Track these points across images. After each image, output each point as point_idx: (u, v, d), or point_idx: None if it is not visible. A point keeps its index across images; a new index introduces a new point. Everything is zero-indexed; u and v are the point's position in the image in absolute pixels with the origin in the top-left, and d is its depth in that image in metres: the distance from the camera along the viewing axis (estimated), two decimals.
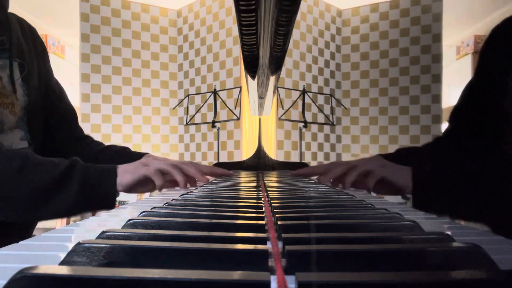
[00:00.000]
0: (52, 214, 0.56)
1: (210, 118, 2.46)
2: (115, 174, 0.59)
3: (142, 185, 0.64)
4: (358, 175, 0.66)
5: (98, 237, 0.24)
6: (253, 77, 0.66)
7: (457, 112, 0.86)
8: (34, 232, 0.83)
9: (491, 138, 0.76)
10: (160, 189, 0.65)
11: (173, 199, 0.45)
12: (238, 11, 0.37)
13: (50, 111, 0.83)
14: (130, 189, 0.62)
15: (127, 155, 0.80)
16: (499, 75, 0.72)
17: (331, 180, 0.73)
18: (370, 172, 0.64)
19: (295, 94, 2.45)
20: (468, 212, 0.57)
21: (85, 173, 0.57)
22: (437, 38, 2.76)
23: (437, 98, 2.76)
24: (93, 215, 0.42)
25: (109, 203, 0.58)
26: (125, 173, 0.60)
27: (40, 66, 0.81)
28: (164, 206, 0.39)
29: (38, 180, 0.54)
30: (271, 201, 0.43)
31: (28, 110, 0.73)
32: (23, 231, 0.77)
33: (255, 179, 0.87)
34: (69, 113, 0.89)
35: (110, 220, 0.38)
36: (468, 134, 0.81)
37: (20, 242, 0.27)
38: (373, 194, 0.68)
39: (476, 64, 0.83)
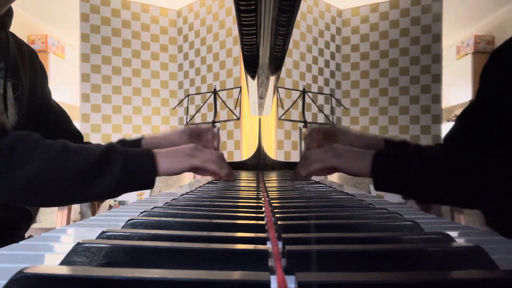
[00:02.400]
0: (98, 196, 0.58)
1: (210, 118, 2.46)
2: (152, 157, 0.61)
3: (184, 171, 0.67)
4: (317, 170, 0.67)
5: (98, 237, 0.24)
6: (253, 77, 0.66)
7: (454, 137, 0.84)
8: (34, 233, 0.83)
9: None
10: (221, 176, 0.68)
11: (173, 199, 0.45)
12: (238, 11, 0.37)
13: (54, 130, 0.85)
14: (171, 175, 0.65)
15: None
16: (505, 95, 0.70)
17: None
18: (326, 164, 0.66)
19: (295, 94, 2.45)
20: (427, 195, 0.59)
21: (125, 155, 0.59)
22: (437, 38, 2.76)
23: (437, 98, 2.76)
24: (93, 215, 0.41)
25: (149, 184, 0.60)
26: (168, 160, 0.62)
27: (37, 87, 0.82)
28: (164, 206, 0.39)
29: (81, 161, 0.55)
30: (271, 201, 0.43)
31: (16, 129, 0.73)
32: (16, 233, 0.77)
33: (255, 179, 0.87)
34: (75, 133, 0.92)
35: (110, 220, 0.38)
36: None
37: (20, 242, 0.27)
38: (373, 193, 0.68)
39: (475, 65, 0.82)
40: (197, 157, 0.66)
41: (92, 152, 0.57)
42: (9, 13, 0.74)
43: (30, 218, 0.82)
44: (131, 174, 0.59)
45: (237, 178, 0.92)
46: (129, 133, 2.89)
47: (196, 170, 0.67)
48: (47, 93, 0.87)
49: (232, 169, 0.83)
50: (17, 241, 0.27)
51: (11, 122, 0.73)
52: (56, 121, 0.87)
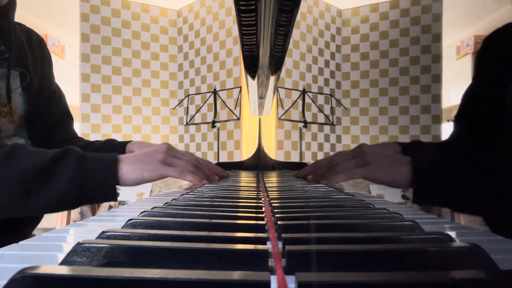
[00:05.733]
0: (44, 206, 0.51)
1: (210, 118, 2.46)
2: (114, 163, 0.54)
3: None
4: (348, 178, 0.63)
5: (98, 237, 0.24)
6: (253, 77, 0.66)
7: (459, 118, 0.87)
8: (34, 232, 0.83)
9: (496, 139, 0.77)
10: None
11: (173, 199, 0.45)
12: (238, 11, 0.37)
13: (48, 114, 0.83)
14: (141, 183, 0.59)
15: (111, 148, 0.78)
16: (499, 77, 0.73)
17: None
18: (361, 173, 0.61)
19: (295, 94, 2.45)
20: (469, 205, 0.54)
21: (80, 160, 0.52)
22: (437, 38, 2.76)
23: (437, 98, 2.76)
24: (93, 214, 0.41)
25: (108, 195, 0.53)
26: (143, 170, 0.56)
27: (45, 75, 0.83)
28: (164, 206, 0.39)
29: (27, 167, 0.49)
30: (271, 201, 0.43)
31: (28, 118, 0.73)
32: (22, 232, 0.77)
33: (255, 179, 0.87)
34: (66, 116, 0.89)
35: (110, 220, 0.38)
36: (474, 137, 0.82)
37: (20, 242, 0.27)
38: (373, 193, 0.68)
39: (474, 67, 0.87)
40: (172, 166, 0.59)
41: (42, 157, 0.50)
42: (12, 3, 0.72)
43: (38, 217, 0.82)
44: (84, 184, 0.51)
45: (237, 178, 0.92)
46: (129, 133, 2.89)
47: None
48: (50, 77, 0.87)
49: (221, 169, 0.78)
50: (17, 241, 0.27)
51: (19, 112, 0.72)
52: (51, 105, 0.85)
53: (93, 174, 0.52)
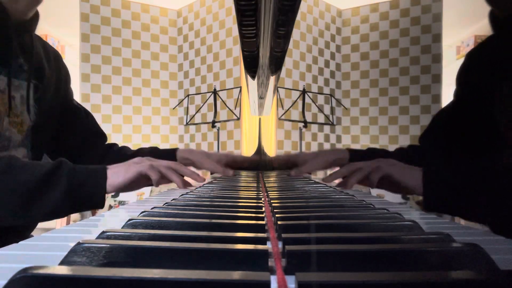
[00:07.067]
0: (41, 216, 0.55)
1: (210, 118, 2.46)
2: (104, 174, 0.58)
3: (136, 183, 0.63)
4: (363, 176, 0.63)
5: (98, 237, 0.24)
6: (253, 77, 0.66)
7: (431, 137, 0.87)
8: (34, 233, 0.83)
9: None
10: (156, 184, 0.65)
11: (173, 199, 0.46)
12: (238, 11, 0.37)
13: (79, 129, 0.88)
14: (123, 189, 0.61)
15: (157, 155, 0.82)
16: (484, 89, 0.72)
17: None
18: (377, 169, 0.62)
19: (295, 94, 2.45)
20: (480, 213, 0.55)
21: (72, 172, 0.56)
22: (437, 38, 2.76)
23: (437, 98, 2.76)
24: (93, 215, 0.42)
25: (98, 203, 0.57)
26: (116, 174, 0.59)
27: (61, 89, 0.84)
28: (164, 206, 0.39)
29: (23, 180, 0.53)
30: (271, 201, 0.43)
31: (33, 130, 0.75)
32: (20, 233, 0.77)
33: (255, 179, 0.87)
34: (99, 131, 0.93)
35: (110, 220, 0.38)
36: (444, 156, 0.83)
37: (20, 242, 0.27)
38: (373, 193, 0.68)
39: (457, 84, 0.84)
40: (144, 164, 0.62)
41: (37, 170, 0.54)
42: (35, 17, 0.73)
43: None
44: (76, 193, 0.55)
45: (237, 178, 0.92)
46: (129, 133, 2.89)
47: (143, 178, 0.63)
48: (68, 94, 0.89)
49: (195, 173, 0.72)
50: (17, 241, 0.27)
51: (28, 123, 0.74)
52: (81, 121, 0.89)
53: (83, 185, 0.56)
